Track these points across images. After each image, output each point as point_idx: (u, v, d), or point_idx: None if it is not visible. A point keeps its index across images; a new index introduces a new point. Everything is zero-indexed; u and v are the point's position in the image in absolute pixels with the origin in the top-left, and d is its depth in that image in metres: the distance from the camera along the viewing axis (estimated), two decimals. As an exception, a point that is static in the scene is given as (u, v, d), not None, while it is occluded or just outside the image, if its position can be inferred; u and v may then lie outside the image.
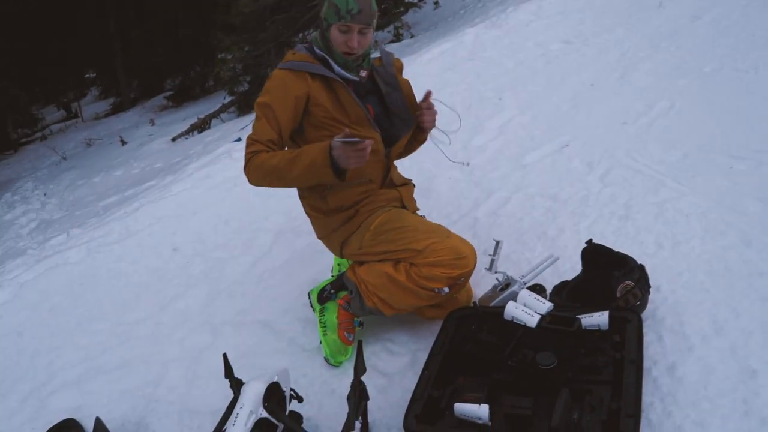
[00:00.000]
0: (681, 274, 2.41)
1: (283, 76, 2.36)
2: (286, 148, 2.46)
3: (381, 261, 2.42)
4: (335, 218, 2.54)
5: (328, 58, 2.39)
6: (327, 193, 2.50)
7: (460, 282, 2.34)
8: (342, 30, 2.30)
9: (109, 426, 2.48)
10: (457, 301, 2.48)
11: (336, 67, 2.39)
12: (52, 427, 2.59)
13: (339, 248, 2.60)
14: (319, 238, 2.70)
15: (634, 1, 6.20)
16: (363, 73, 2.44)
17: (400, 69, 2.61)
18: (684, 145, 3.38)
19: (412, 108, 2.53)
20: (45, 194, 9.73)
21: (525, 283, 2.42)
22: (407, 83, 2.58)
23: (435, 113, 2.50)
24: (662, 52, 4.84)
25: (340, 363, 2.51)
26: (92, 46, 18.23)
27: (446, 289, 2.31)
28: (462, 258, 2.28)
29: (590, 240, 2.44)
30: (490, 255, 2.49)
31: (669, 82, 4.27)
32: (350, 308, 2.54)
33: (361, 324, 2.59)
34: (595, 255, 2.39)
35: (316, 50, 2.41)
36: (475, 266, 2.36)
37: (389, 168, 2.58)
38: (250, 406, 1.90)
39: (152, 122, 12.69)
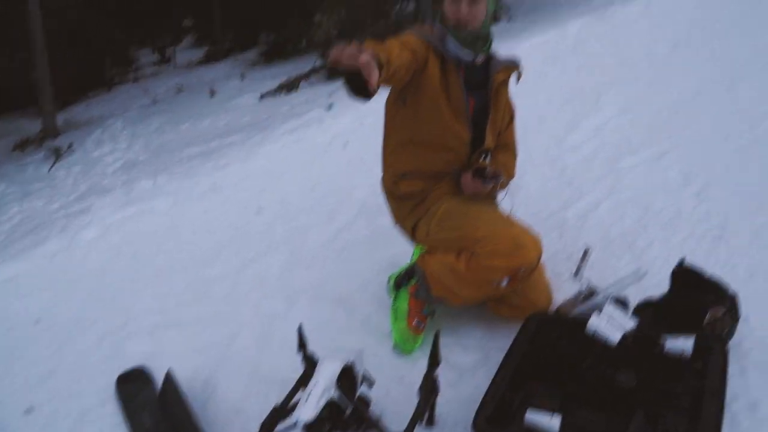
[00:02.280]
0: (772, 307, 2.30)
1: (413, 37, 2.34)
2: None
3: (446, 249, 2.40)
4: (406, 204, 2.57)
5: (445, 35, 2.37)
6: (399, 180, 2.53)
7: (521, 273, 2.25)
8: (451, 0, 2.31)
9: (177, 378, 2.54)
10: (536, 305, 2.43)
11: (451, 45, 2.36)
12: (123, 374, 2.66)
13: (411, 234, 2.62)
14: (395, 223, 2.72)
15: (749, 10, 5.90)
16: (479, 58, 2.41)
17: (506, 79, 2.52)
18: (788, 167, 3.23)
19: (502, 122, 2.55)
20: (132, 135, 10.04)
21: (609, 296, 2.37)
22: (508, 96, 2.56)
23: (475, 188, 2.43)
24: (773, 68, 4.60)
25: (410, 352, 2.50)
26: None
27: (505, 281, 2.24)
28: (521, 248, 2.20)
29: (683, 260, 2.37)
30: (578, 262, 2.44)
31: (778, 101, 4.07)
32: (419, 296, 2.52)
33: (431, 313, 2.56)
34: (686, 276, 2.32)
35: (437, 28, 2.41)
36: (538, 259, 2.27)
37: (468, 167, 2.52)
38: (324, 384, 1.93)
39: (242, 76, 12.87)
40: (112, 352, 2.88)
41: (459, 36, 2.34)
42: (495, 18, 10.61)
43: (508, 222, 2.33)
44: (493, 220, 2.33)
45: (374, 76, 1.73)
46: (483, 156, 2.45)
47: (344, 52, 1.66)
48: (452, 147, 2.42)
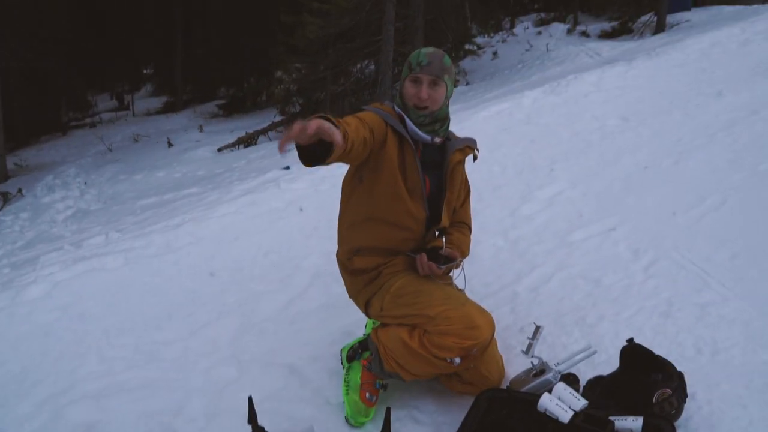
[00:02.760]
0: (719, 384, 2.34)
1: (372, 113, 2.38)
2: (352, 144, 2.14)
3: (399, 325, 2.41)
4: (359, 279, 2.58)
5: (404, 115, 2.44)
6: (353, 256, 2.55)
7: (473, 353, 2.28)
8: (413, 81, 2.39)
9: (122, 451, 2.47)
10: (488, 380, 2.44)
11: (410, 125, 2.42)
12: None
13: (365, 308, 2.63)
14: (349, 297, 2.73)
15: (694, 86, 6.19)
16: (437, 139, 2.47)
17: (462, 159, 2.59)
18: (733, 245, 3.33)
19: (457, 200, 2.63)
20: (86, 183, 9.88)
21: (560, 372, 2.39)
22: (463, 175, 2.63)
23: (430, 270, 2.46)
24: (718, 142, 4.79)
25: (361, 424, 2.48)
26: (154, 44, 18.69)
27: (458, 360, 2.27)
28: (474, 328, 2.23)
29: (631, 339, 2.41)
30: (528, 338, 2.47)
31: (723, 175, 4.22)
32: (372, 369, 2.53)
33: (383, 387, 2.56)
34: (634, 356, 2.36)
35: (395, 108, 2.48)
36: (491, 338, 2.31)
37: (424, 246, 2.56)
38: (274, 462, 1.90)
39: (201, 129, 12.90)
40: (52, 418, 2.76)
41: (418, 118, 2.41)
42: (454, 83, 10.92)
43: (461, 300, 2.35)
44: (446, 298, 2.34)
45: (337, 134, 1.78)
46: (438, 235, 2.49)
47: (303, 133, 1.70)
48: (408, 225, 2.46)
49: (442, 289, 2.43)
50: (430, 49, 2.44)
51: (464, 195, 2.70)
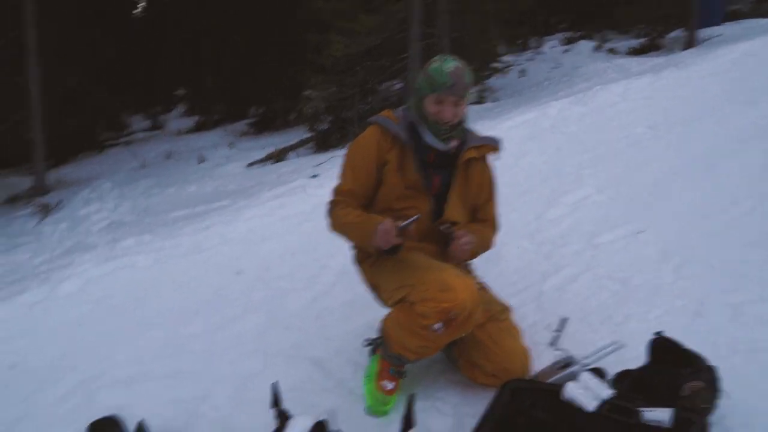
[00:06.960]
0: (756, 384, 2.28)
1: (372, 132, 2.55)
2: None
3: (395, 302, 2.41)
4: (366, 264, 2.67)
5: (418, 126, 2.51)
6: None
7: (453, 317, 2.21)
8: (436, 101, 2.42)
9: (150, 429, 2.48)
10: (510, 372, 2.39)
11: (427, 136, 2.49)
12: (95, 422, 2.59)
13: (377, 294, 2.66)
14: (367, 289, 2.76)
15: (725, 95, 6.12)
16: (452, 143, 2.52)
17: (477, 157, 2.61)
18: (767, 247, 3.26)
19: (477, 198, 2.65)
20: (120, 196, 10.05)
21: (586, 365, 2.36)
22: (484, 174, 2.65)
23: (464, 250, 2.47)
24: (751, 149, 4.72)
25: (381, 413, 2.47)
26: (184, 68, 19.09)
27: (438, 326, 2.22)
28: (448, 290, 2.18)
29: (660, 332, 2.37)
30: (554, 330, 2.44)
31: (756, 182, 4.15)
32: (384, 356, 2.52)
33: (399, 374, 2.52)
34: (663, 349, 2.32)
35: (407, 114, 2.56)
36: (470, 303, 2.22)
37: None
38: (296, 439, 1.90)
39: (231, 145, 13.04)
40: (85, 400, 2.84)
41: (438, 130, 2.47)
42: (481, 99, 10.92)
43: (440, 267, 2.33)
44: (427, 266, 2.34)
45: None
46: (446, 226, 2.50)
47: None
48: (411, 216, 2.46)
49: (427, 260, 2.43)
50: (451, 66, 2.42)
51: (487, 194, 2.70)
